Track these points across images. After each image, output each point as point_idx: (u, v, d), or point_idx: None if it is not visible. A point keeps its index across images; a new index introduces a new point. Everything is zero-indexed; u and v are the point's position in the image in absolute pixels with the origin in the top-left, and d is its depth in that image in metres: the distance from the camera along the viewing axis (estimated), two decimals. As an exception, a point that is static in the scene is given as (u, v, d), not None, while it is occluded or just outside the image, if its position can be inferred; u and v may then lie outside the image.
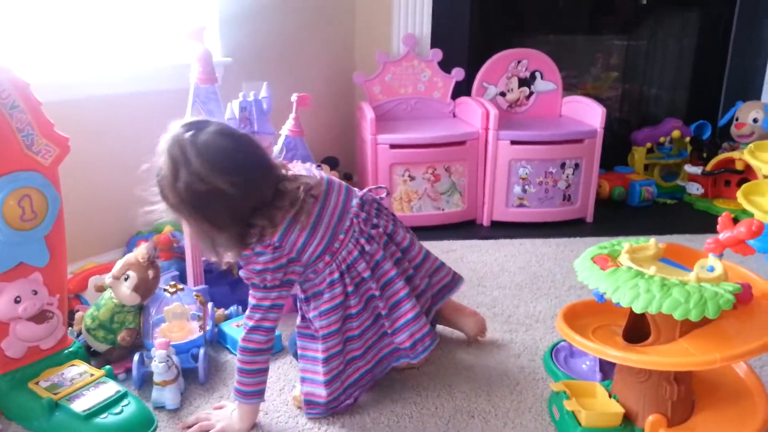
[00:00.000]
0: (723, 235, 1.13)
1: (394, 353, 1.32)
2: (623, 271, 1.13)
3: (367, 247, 1.25)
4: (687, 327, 1.11)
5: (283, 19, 2.49)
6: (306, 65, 2.63)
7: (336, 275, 1.23)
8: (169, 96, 1.92)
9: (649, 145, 2.85)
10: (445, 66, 2.69)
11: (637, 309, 1.06)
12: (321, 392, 1.25)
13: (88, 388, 1.26)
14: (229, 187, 1.09)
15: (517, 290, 1.86)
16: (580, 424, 1.17)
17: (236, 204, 1.12)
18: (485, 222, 2.46)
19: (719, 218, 1.15)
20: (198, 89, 1.68)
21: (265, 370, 1.24)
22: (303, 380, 1.29)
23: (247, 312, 1.22)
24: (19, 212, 1.21)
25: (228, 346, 1.51)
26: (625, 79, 3.27)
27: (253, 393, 1.23)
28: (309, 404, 1.27)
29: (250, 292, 1.21)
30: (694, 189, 2.72)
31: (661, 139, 2.84)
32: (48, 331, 1.31)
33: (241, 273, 1.21)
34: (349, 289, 1.25)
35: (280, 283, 1.20)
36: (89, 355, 1.42)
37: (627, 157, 2.94)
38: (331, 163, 2.62)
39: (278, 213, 1.16)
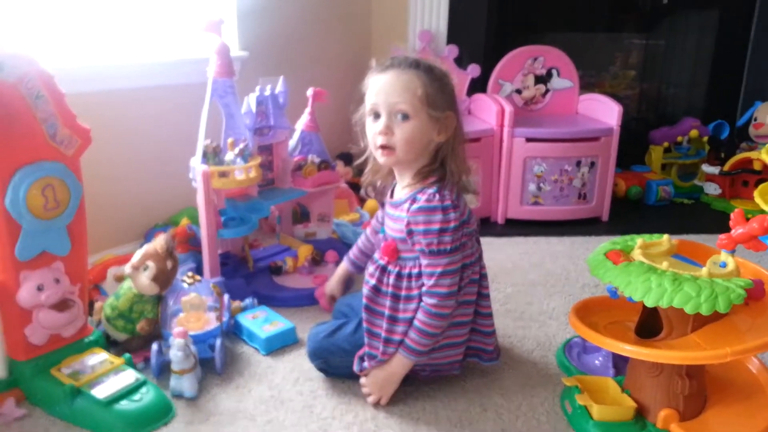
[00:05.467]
0: (735, 232, 1.14)
1: (475, 352, 1.36)
2: (635, 266, 1.13)
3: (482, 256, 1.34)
4: (699, 322, 1.11)
5: (300, 15, 2.51)
6: (322, 61, 2.65)
7: (475, 257, 1.30)
8: (187, 90, 1.95)
9: (666, 144, 2.83)
10: (461, 62, 2.69)
11: (649, 303, 1.07)
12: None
13: (108, 375, 1.29)
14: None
15: (530, 287, 1.87)
16: (592, 418, 1.18)
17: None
18: (499, 219, 2.46)
19: (732, 215, 1.15)
20: (216, 83, 1.70)
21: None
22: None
23: (431, 281, 1.21)
24: (42, 201, 1.23)
25: (244, 338, 1.54)
26: (644, 78, 3.26)
27: (427, 352, 1.26)
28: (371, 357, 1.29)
29: (431, 262, 1.21)
30: (712, 189, 2.71)
31: (679, 139, 2.83)
32: (69, 319, 1.33)
33: (421, 240, 1.20)
34: (483, 271, 1.33)
35: (459, 245, 1.22)
36: (108, 344, 1.45)
37: (644, 156, 2.93)
38: (346, 158, 2.64)
39: (464, 168, 1.27)
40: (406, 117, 1.20)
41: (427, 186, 1.23)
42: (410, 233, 1.22)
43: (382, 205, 1.37)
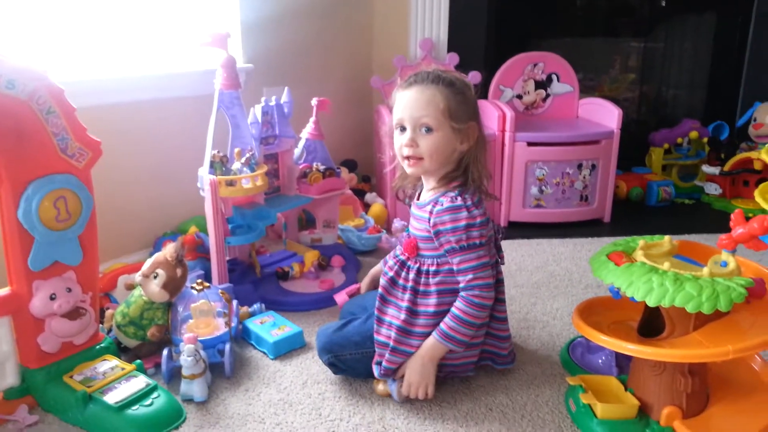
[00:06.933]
0: (735, 232, 1.16)
1: (490, 356, 1.40)
2: (637, 267, 1.15)
3: (500, 263, 1.39)
4: (701, 320, 1.13)
5: (303, 26, 2.55)
6: (325, 70, 2.68)
7: (491, 261, 1.33)
8: (194, 101, 1.99)
9: (666, 145, 2.86)
10: (462, 69, 2.68)
11: (651, 303, 1.09)
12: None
13: (120, 381, 1.31)
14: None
15: (534, 289, 1.89)
16: (596, 417, 1.19)
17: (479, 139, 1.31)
18: (502, 222, 2.48)
19: (732, 215, 1.17)
20: (222, 95, 1.74)
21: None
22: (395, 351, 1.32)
23: (469, 276, 1.26)
24: (54, 213, 1.26)
25: (252, 342, 1.56)
26: (643, 81, 3.29)
27: (465, 342, 1.30)
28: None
29: (464, 257, 1.26)
30: (713, 189, 2.73)
31: (679, 140, 2.85)
32: (81, 327, 1.36)
33: (450, 238, 1.26)
34: (499, 276, 1.37)
35: (487, 239, 1.28)
36: (119, 351, 1.47)
37: (645, 158, 2.96)
38: (350, 165, 2.67)
39: (485, 174, 1.32)
40: (429, 130, 1.27)
41: (450, 190, 1.30)
42: (437, 234, 1.28)
43: (410, 206, 1.42)
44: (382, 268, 1.58)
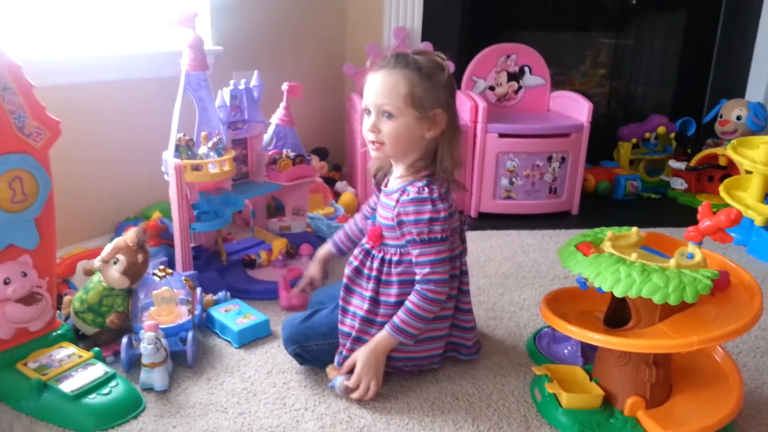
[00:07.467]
0: (703, 224, 1.16)
1: (455, 347, 1.40)
2: (605, 257, 1.15)
3: (464, 254, 1.39)
4: (666, 312, 1.14)
5: (275, 9, 2.50)
6: (297, 55, 2.64)
7: (457, 251, 1.34)
8: (160, 83, 1.93)
9: (634, 140, 2.89)
10: (435, 59, 2.70)
11: (618, 293, 1.09)
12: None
13: (77, 369, 1.27)
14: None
15: (502, 279, 1.89)
16: (561, 406, 1.20)
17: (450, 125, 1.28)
18: (472, 213, 2.48)
19: (699, 207, 1.18)
20: (189, 76, 1.69)
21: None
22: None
23: (426, 270, 1.25)
24: (9, 194, 1.21)
25: (216, 331, 1.53)
26: (613, 77, 3.31)
27: (416, 336, 1.29)
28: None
29: (423, 251, 1.25)
30: (678, 184, 2.77)
31: (647, 135, 2.88)
32: (37, 313, 1.31)
33: (412, 230, 1.24)
34: (464, 268, 1.37)
35: (449, 234, 1.27)
36: (77, 338, 1.42)
37: (613, 152, 2.99)
38: (321, 153, 2.64)
39: (455, 163, 1.30)
40: (391, 116, 1.24)
41: (418, 179, 1.28)
42: (400, 224, 1.26)
43: (379, 191, 1.39)
44: (330, 249, 1.58)
